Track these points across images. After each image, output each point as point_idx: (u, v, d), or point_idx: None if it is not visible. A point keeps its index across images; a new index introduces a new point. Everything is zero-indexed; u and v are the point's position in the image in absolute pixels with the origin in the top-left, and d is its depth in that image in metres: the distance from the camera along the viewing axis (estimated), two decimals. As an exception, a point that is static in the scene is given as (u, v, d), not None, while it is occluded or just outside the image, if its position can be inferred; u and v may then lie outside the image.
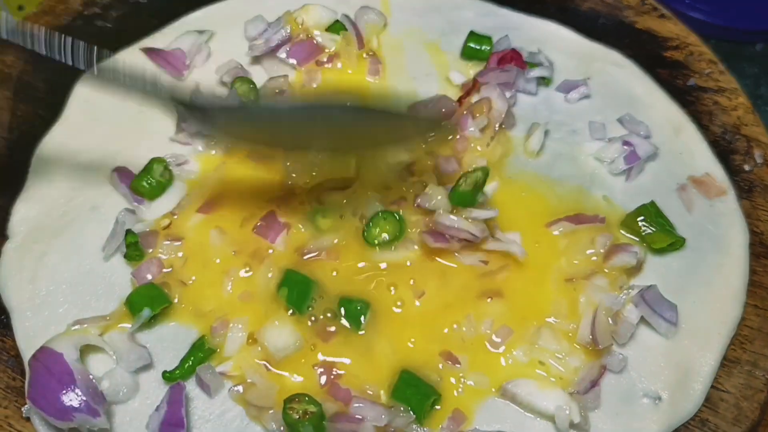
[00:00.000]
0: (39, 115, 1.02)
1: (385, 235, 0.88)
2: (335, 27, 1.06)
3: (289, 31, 1.05)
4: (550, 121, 1.01)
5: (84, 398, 0.76)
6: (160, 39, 1.07)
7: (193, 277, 0.87)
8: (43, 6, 1.13)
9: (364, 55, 1.06)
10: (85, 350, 0.82)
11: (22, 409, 0.80)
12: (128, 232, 0.88)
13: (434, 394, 0.79)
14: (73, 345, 0.80)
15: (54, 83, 1.05)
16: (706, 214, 0.94)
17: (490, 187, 0.93)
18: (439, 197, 0.87)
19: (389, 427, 0.77)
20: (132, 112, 1.00)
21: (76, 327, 0.82)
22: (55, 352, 0.78)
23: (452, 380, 0.82)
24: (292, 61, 1.05)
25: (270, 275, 0.86)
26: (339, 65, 1.06)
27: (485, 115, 0.96)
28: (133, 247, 0.87)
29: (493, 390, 0.81)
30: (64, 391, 0.76)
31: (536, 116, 1.01)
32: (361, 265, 0.88)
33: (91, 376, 0.79)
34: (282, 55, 1.05)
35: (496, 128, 0.97)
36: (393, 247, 0.88)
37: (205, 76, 1.04)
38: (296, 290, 0.85)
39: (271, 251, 0.89)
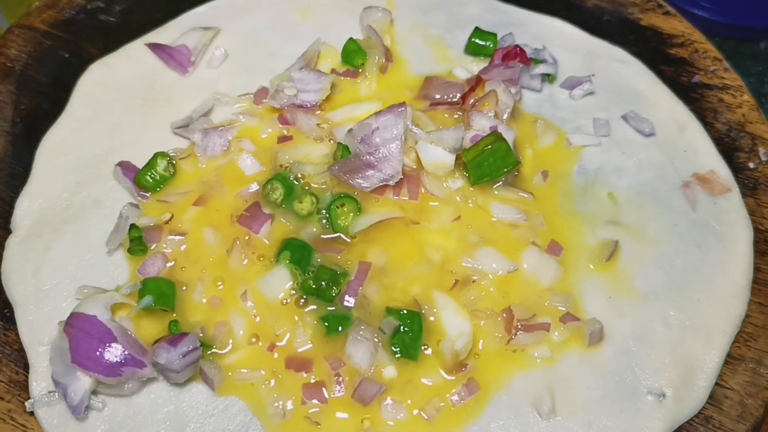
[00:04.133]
0: (42, 109, 1.02)
1: (346, 218, 0.89)
2: (355, 56, 1.03)
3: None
4: (554, 117, 1.01)
5: (127, 352, 0.76)
6: (164, 34, 1.07)
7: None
8: (46, 0, 1.13)
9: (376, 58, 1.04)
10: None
11: (26, 403, 0.80)
12: (132, 226, 0.88)
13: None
14: (103, 306, 0.80)
15: (57, 77, 1.05)
16: (710, 211, 0.94)
17: None
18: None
19: None
20: (135, 106, 1.00)
21: (86, 291, 0.84)
22: (87, 315, 0.78)
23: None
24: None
25: (245, 262, 0.87)
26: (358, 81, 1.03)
27: (492, 108, 0.96)
28: (137, 241, 0.87)
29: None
30: (108, 349, 0.76)
31: (541, 113, 1.01)
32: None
33: (129, 331, 0.79)
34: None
35: (504, 119, 0.96)
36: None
37: (220, 78, 1.04)
38: (298, 253, 0.86)
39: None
